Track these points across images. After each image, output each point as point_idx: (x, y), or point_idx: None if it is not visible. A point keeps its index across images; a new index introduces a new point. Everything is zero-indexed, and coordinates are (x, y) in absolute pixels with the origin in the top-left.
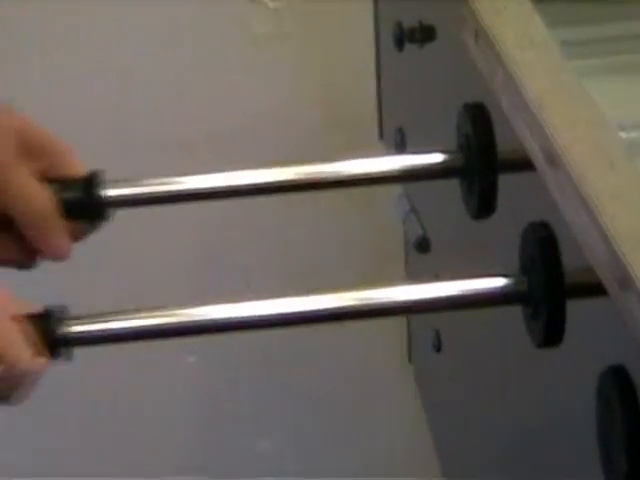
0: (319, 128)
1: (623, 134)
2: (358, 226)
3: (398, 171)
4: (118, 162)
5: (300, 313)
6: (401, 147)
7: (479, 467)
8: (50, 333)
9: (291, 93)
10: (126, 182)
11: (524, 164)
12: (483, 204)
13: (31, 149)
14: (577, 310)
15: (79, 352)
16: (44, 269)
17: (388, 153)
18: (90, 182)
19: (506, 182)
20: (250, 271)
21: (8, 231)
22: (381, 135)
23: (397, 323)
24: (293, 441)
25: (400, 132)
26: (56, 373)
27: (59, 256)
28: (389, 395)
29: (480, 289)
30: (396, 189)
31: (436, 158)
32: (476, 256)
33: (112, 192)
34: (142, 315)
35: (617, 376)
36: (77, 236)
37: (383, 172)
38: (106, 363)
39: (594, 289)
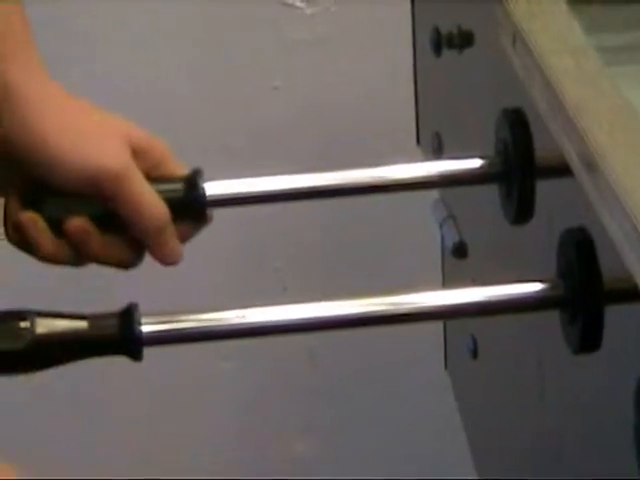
0: (355, 133)
1: None
2: (395, 232)
3: (436, 177)
4: None
5: (336, 317)
6: (438, 152)
7: (516, 473)
8: (131, 331)
9: (327, 98)
10: (226, 182)
11: (562, 169)
12: (521, 209)
13: (137, 152)
14: (614, 315)
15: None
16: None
17: (425, 158)
18: (192, 182)
19: (544, 187)
20: (285, 275)
21: (114, 232)
22: (418, 140)
23: (433, 329)
24: (329, 446)
25: (437, 137)
26: (98, 378)
27: (172, 262)
28: (425, 401)
29: (517, 294)
30: (433, 194)
31: (474, 163)
32: (513, 261)
33: (213, 191)
34: (211, 316)
35: None
36: (184, 238)
37: (420, 178)
38: (144, 368)
39: (631, 294)
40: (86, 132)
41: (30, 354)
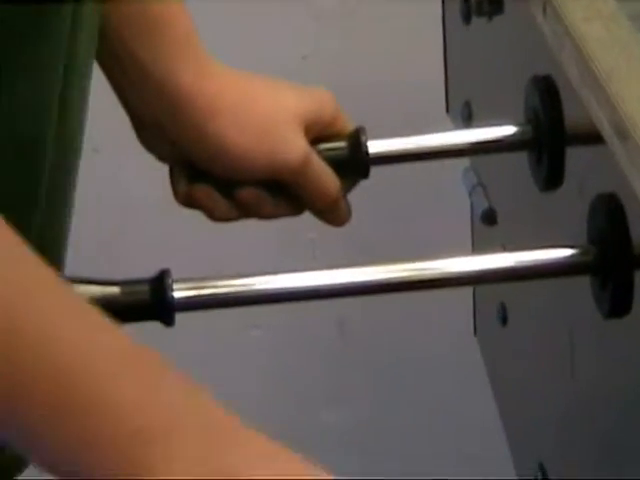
0: (384, 103)
1: None
2: (425, 199)
3: (466, 145)
4: None
5: (365, 283)
6: (468, 121)
7: (546, 441)
8: (163, 296)
9: (356, 68)
10: (391, 140)
11: (592, 137)
12: (551, 176)
13: (309, 125)
14: None
15: (148, 323)
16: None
17: (455, 127)
18: (356, 140)
19: (574, 154)
20: (316, 243)
21: (282, 193)
22: (448, 109)
23: (463, 296)
24: (359, 416)
25: (467, 105)
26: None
27: (342, 223)
28: (456, 369)
29: (547, 259)
30: (463, 162)
31: (504, 131)
32: (543, 228)
33: (376, 149)
34: (243, 281)
35: None
36: (346, 191)
37: (451, 146)
38: (164, 337)
39: None
40: (264, 125)
41: None
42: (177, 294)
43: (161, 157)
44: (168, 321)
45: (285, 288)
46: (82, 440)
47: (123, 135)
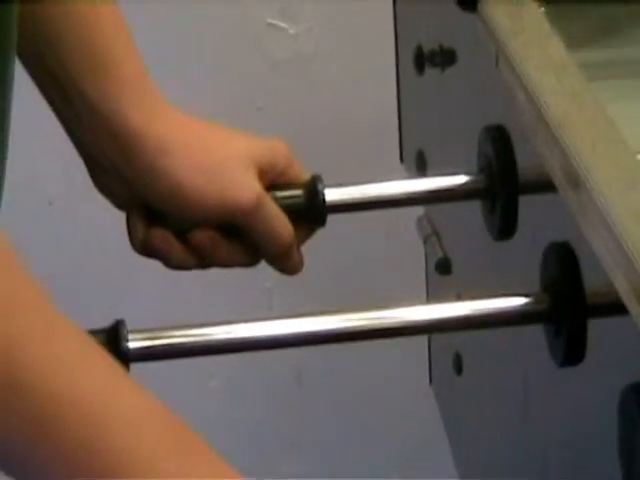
0: (339, 152)
1: None
2: (379, 248)
3: (420, 193)
4: None
5: (322, 332)
6: (422, 170)
7: None
8: (118, 347)
9: (310, 118)
10: (347, 188)
11: (545, 185)
12: (505, 225)
13: (262, 169)
14: (598, 329)
15: None
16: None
17: (409, 176)
18: (312, 188)
19: (527, 203)
20: (272, 292)
21: (237, 238)
22: (402, 158)
23: (419, 345)
24: (315, 465)
25: (421, 154)
26: None
27: (295, 272)
28: (410, 416)
29: (501, 308)
30: (417, 211)
31: (458, 180)
32: (498, 277)
33: (332, 197)
34: (200, 331)
35: (638, 393)
36: (302, 241)
37: (405, 194)
38: None
39: (614, 308)
40: (217, 166)
41: None
42: (132, 344)
43: (117, 202)
44: None
45: (242, 338)
46: None
47: (77, 187)
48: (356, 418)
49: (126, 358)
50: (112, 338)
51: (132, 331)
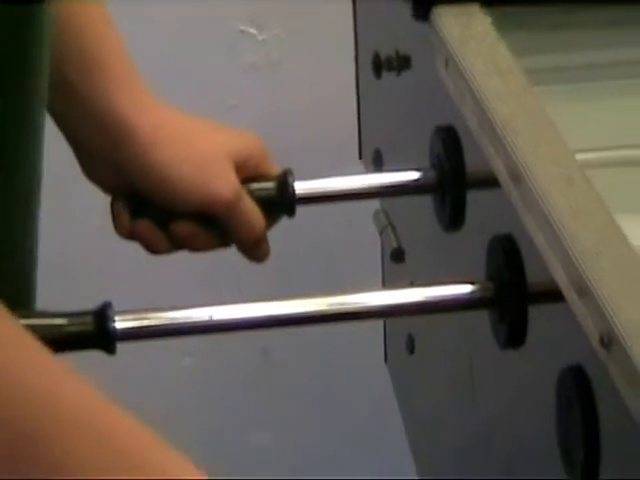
0: (303, 148)
1: (580, 155)
2: (341, 238)
3: (376, 188)
4: None
5: (288, 315)
6: (379, 166)
7: (450, 461)
8: (105, 327)
9: (277, 116)
10: (314, 181)
11: (490, 181)
12: (453, 217)
13: (239, 163)
14: (538, 315)
15: (79, 354)
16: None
17: (367, 172)
18: (283, 181)
19: (474, 197)
20: (241, 276)
21: (212, 228)
22: (360, 155)
23: (375, 327)
24: (280, 437)
25: (378, 152)
26: None
27: (263, 260)
28: (366, 391)
29: (450, 295)
30: (374, 204)
31: (411, 176)
32: (447, 265)
33: (301, 190)
34: (179, 314)
35: (574, 374)
36: (270, 227)
37: (363, 189)
38: (106, 365)
39: (553, 295)
40: (201, 160)
41: None
42: (118, 325)
43: (105, 188)
44: (110, 349)
45: (219, 320)
46: None
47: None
48: (318, 393)
49: (113, 337)
50: (100, 319)
51: (118, 312)
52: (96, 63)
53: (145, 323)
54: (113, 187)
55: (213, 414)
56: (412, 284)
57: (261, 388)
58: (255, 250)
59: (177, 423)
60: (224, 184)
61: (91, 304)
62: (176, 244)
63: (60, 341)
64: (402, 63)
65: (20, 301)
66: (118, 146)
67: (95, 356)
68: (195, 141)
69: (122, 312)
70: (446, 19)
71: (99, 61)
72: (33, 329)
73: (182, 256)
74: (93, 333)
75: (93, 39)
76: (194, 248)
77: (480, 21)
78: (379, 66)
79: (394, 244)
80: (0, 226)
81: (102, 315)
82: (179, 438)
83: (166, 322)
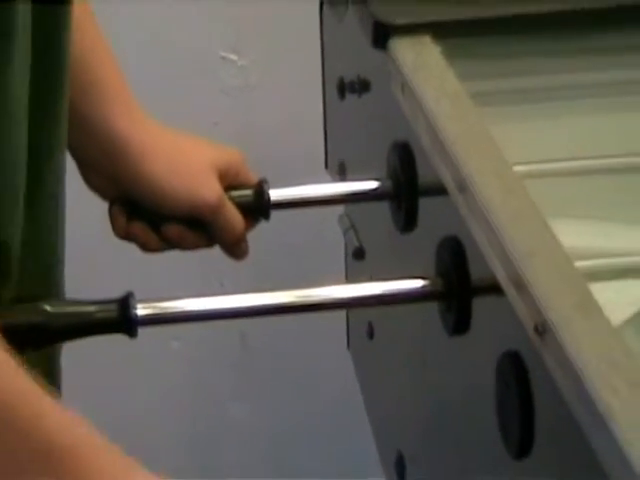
0: (277, 160)
1: (517, 167)
2: (309, 239)
3: (341, 195)
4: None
5: (264, 306)
6: (343, 176)
7: (407, 441)
8: (128, 314)
9: (256, 132)
10: (286, 189)
11: (440, 190)
12: (407, 221)
13: (222, 173)
14: (481, 306)
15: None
16: None
17: (332, 181)
18: (260, 189)
19: (425, 204)
20: (223, 272)
21: (198, 229)
22: (326, 166)
23: (339, 316)
24: (255, 409)
25: (342, 164)
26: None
27: (242, 258)
28: (331, 373)
29: (404, 289)
30: (339, 209)
31: (371, 185)
32: (402, 263)
33: (275, 197)
34: (193, 301)
35: (512, 360)
36: (248, 229)
37: (328, 196)
38: (94, 350)
39: (494, 290)
40: (188, 171)
41: (49, 328)
42: (140, 312)
43: (104, 195)
44: (132, 334)
45: (214, 309)
46: None
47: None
48: (289, 373)
49: (135, 322)
50: (123, 306)
51: (139, 301)
52: (95, 85)
53: (161, 311)
54: (110, 195)
55: (198, 391)
56: (371, 279)
57: (240, 368)
58: (236, 249)
59: (166, 400)
60: (209, 191)
61: (95, 296)
62: (167, 244)
63: (88, 326)
64: (363, 87)
65: (51, 292)
66: (115, 160)
67: (84, 342)
68: (182, 154)
69: (142, 300)
70: (402, 48)
71: (98, 84)
72: (66, 316)
73: (173, 254)
74: (118, 319)
75: (93, 63)
76: (183, 247)
77: (431, 51)
78: (343, 89)
79: (356, 244)
80: (33, 230)
81: (125, 303)
82: (168, 412)
83: (179, 310)
